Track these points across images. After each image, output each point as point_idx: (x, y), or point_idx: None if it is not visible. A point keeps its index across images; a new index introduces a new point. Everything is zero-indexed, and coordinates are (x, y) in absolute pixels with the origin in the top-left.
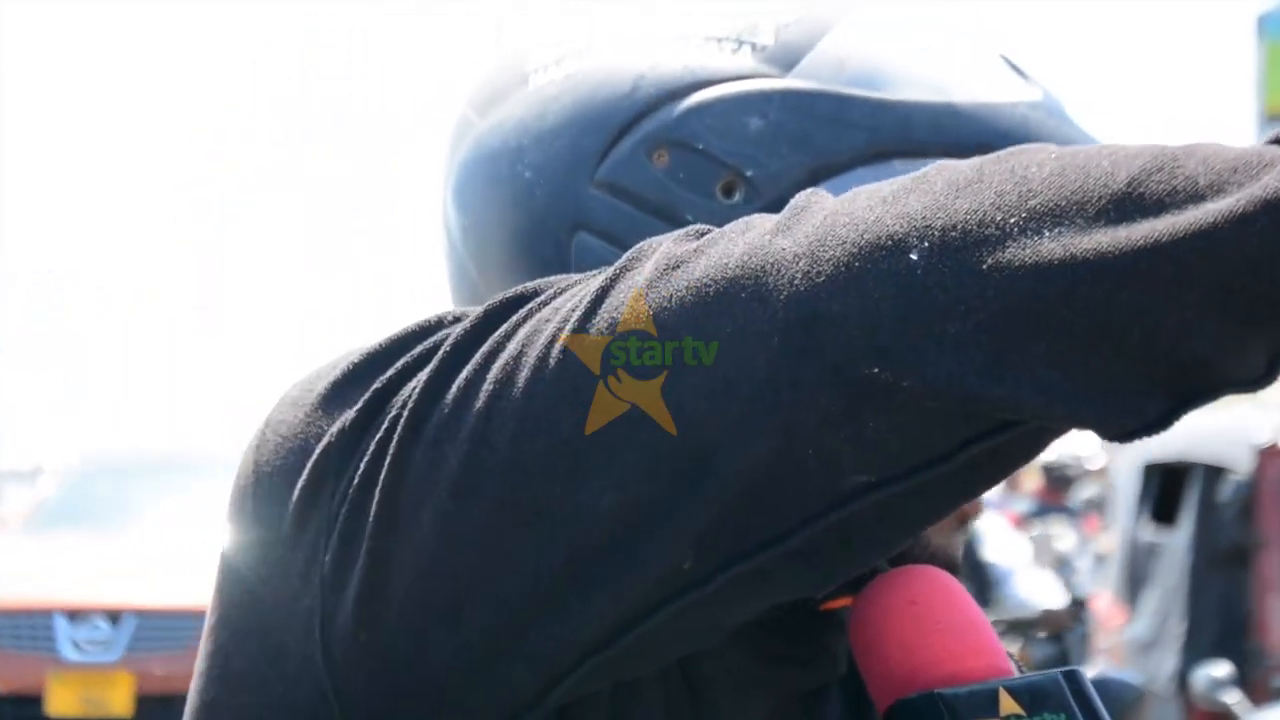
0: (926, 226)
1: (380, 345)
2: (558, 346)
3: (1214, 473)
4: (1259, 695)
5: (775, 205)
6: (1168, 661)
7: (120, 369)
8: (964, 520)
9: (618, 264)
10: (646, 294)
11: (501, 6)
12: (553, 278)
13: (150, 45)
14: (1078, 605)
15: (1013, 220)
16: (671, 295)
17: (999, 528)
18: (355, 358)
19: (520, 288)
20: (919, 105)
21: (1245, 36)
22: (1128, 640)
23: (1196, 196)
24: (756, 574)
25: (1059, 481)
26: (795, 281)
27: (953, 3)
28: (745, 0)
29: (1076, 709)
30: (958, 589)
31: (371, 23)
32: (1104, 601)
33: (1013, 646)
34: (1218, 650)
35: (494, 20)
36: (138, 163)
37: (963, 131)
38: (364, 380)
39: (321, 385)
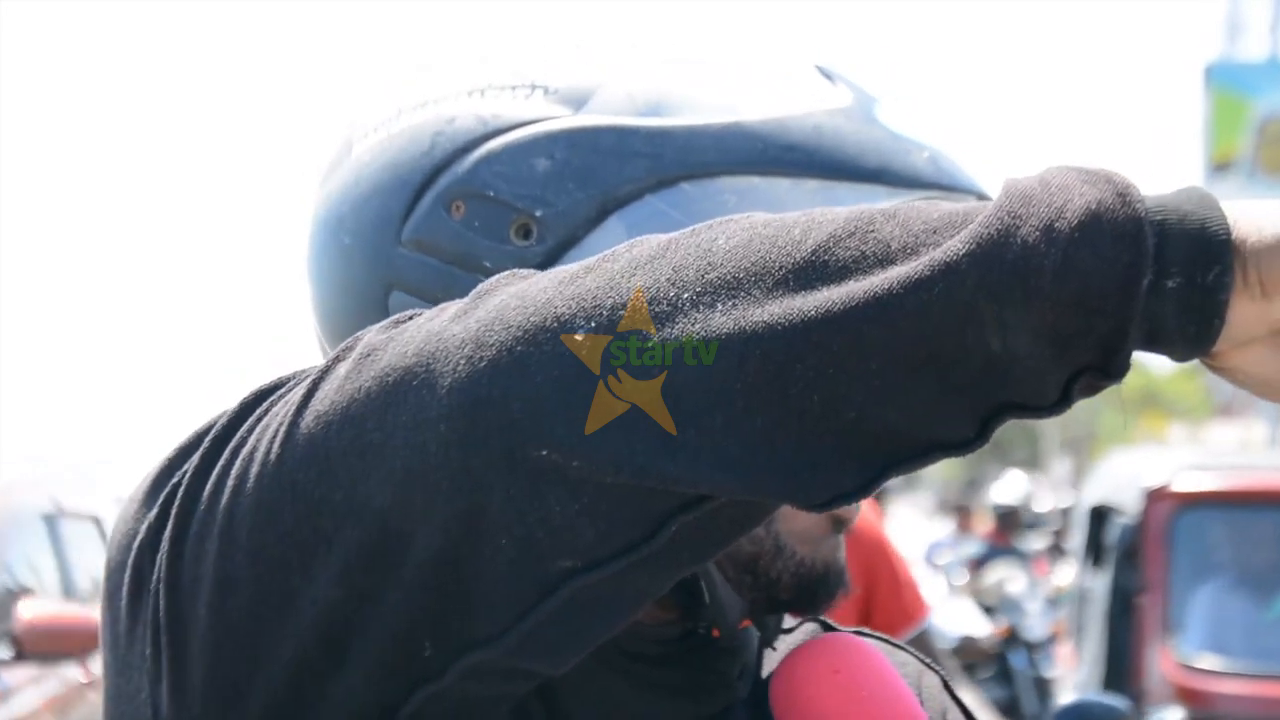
0: (595, 306)
1: (188, 439)
2: (279, 441)
3: (1119, 515)
4: None
5: (569, 242)
6: None
7: (119, 369)
8: (838, 525)
9: (332, 354)
10: (343, 385)
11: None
12: (303, 368)
13: (149, 45)
14: (1027, 646)
15: (685, 295)
16: (360, 387)
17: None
18: (171, 452)
19: (275, 379)
20: (702, 128)
21: (1193, 87)
22: (1077, 685)
23: (886, 261)
24: (494, 661)
25: (1009, 524)
26: (459, 368)
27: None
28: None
29: None
30: (874, 653)
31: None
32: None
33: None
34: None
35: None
36: (136, 163)
37: (749, 147)
38: (172, 474)
39: (148, 481)
